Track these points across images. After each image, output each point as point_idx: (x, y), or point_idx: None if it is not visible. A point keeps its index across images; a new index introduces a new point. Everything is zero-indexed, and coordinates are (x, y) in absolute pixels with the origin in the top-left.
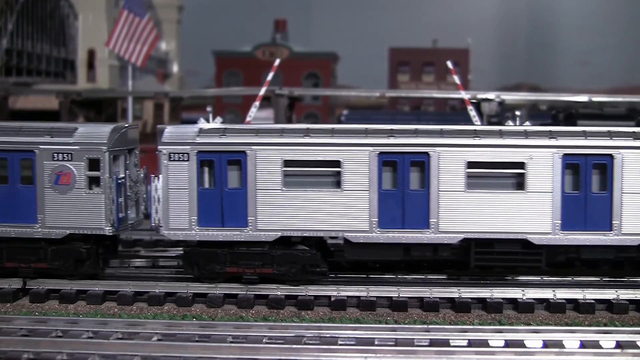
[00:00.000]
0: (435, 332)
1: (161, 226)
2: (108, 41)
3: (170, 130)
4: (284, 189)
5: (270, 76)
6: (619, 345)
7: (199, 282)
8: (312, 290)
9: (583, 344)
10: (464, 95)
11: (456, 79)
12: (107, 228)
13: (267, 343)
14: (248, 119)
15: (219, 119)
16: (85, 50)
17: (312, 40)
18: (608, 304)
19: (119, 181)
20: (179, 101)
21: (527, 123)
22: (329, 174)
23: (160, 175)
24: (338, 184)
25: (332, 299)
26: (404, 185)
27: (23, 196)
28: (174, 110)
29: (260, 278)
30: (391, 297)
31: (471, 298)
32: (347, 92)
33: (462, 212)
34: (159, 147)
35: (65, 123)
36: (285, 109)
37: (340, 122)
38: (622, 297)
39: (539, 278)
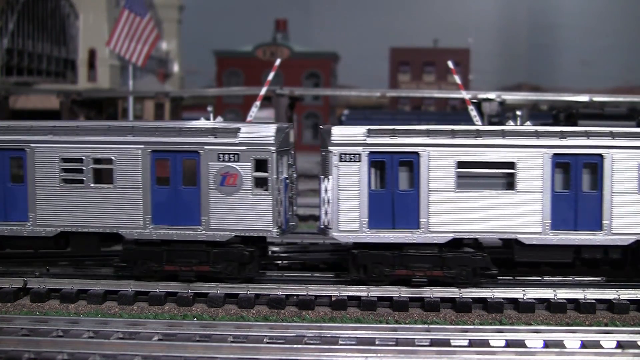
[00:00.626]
0: (436, 332)
1: (330, 228)
2: (109, 41)
3: (339, 131)
4: (457, 190)
5: (270, 76)
6: (620, 345)
7: (200, 282)
8: (313, 290)
9: (584, 344)
10: (465, 95)
11: (457, 78)
12: (274, 230)
13: (268, 343)
14: (249, 118)
15: (219, 119)
16: (86, 50)
17: (312, 40)
18: (609, 304)
19: (285, 182)
20: (180, 101)
21: (528, 123)
22: (502, 175)
23: (331, 177)
24: (511, 185)
25: (333, 298)
26: (577, 186)
27: (186, 198)
28: (175, 110)
29: (429, 281)
30: (392, 297)
31: (472, 298)
32: (347, 92)
33: (635, 213)
34: (329, 147)
35: (228, 123)
36: (286, 108)
37: (341, 122)
38: (622, 297)
39: (540, 278)
